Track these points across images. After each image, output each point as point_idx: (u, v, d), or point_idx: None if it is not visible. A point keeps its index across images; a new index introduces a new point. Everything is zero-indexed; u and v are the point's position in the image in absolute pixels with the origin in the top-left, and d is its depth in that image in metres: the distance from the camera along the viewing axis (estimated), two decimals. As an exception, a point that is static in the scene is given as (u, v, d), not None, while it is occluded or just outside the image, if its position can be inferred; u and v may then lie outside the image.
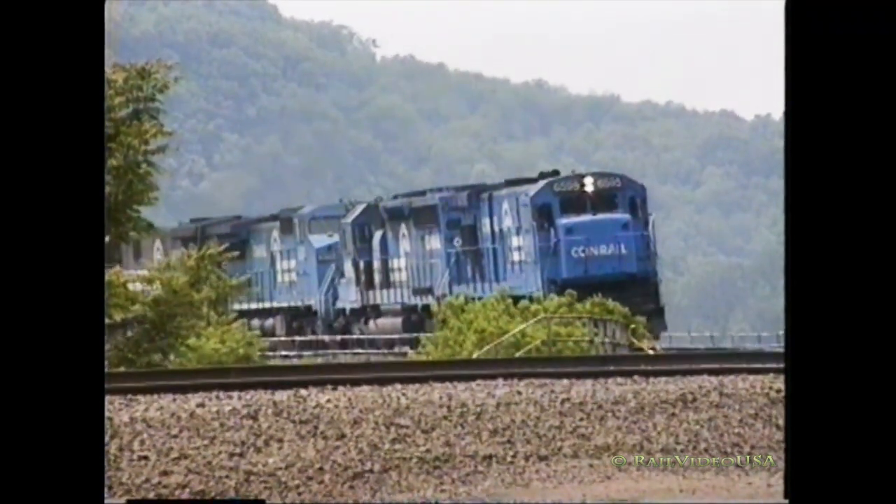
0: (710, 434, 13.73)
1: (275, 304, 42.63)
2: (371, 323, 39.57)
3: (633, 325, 29.10)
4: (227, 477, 12.46)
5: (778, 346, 33.55)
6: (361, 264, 39.48)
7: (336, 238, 40.82)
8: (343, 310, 40.60)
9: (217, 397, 14.47)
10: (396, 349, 35.62)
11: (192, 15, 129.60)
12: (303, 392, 14.75)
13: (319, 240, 41.43)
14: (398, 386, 15.11)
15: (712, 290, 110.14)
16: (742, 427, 13.96)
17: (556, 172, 35.94)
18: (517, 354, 26.06)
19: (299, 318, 42.06)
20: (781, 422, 14.12)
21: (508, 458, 12.99)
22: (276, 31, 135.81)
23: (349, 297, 40.15)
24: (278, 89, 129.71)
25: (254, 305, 42.62)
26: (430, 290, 36.69)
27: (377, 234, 39.24)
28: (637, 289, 33.47)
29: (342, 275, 40.32)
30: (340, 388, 15.05)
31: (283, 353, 39.27)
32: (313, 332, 41.13)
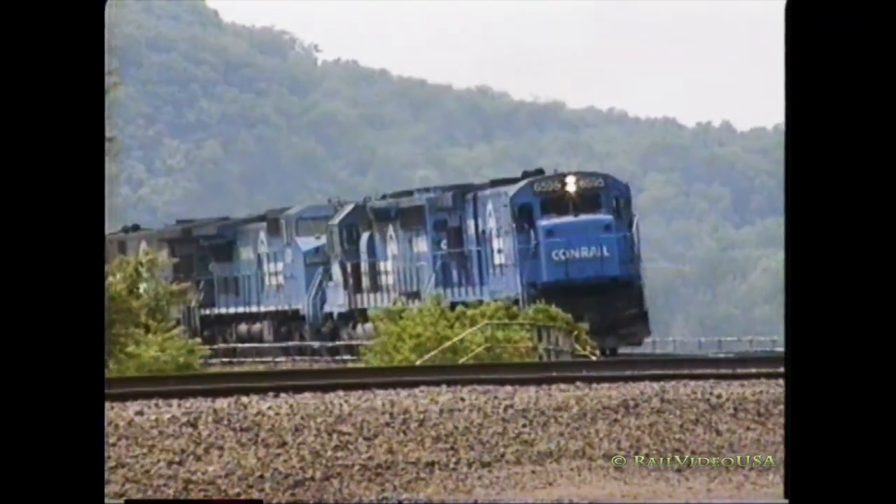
0: (652, 439, 13.75)
1: (262, 309, 41.29)
2: (359, 327, 38.08)
3: (575, 332, 29.00)
4: (165, 485, 12.34)
5: (719, 352, 33.67)
6: (349, 267, 37.56)
7: (324, 240, 39.41)
8: (331, 314, 39.18)
9: (156, 405, 14.35)
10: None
11: (130, 19, 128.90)
12: (244, 399, 14.64)
13: (307, 242, 39.98)
14: (340, 393, 15.05)
15: (654, 297, 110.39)
16: (683, 432, 13.99)
17: (540, 171, 34.10)
18: (461, 361, 26.00)
19: (287, 322, 40.68)
20: (722, 427, 14.17)
21: (451, 465, 12.94)
22: (217, 36, 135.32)
23: (337, 301, 38.69)
24: (219, 94, 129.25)
25: (241, 309, 41.43)
26: (417, 295, 35.24)
27: (364, 236, 37.30)
28: (620, 292, 32.19)
29: (330, 278, 38.93)
30: (282, 395, 14.97)
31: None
32: (301, 338, 39.73)
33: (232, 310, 41.83)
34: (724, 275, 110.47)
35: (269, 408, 14.26)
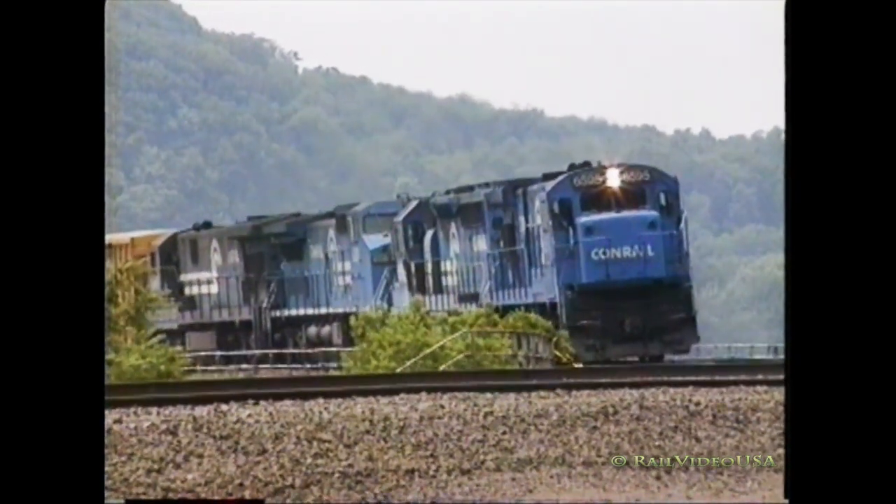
0: (631, 446, 13.78)
1: (331, 311, 38.84)
2: None
3: (555, 338, 28.89)
4: (144, 493, 12.33)
5: (695, 360, 33.65)
6: (412, 266, 35.05)
7: (391, 238, 37.10)
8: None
9: (135, 413, 14.33)
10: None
11: (109, 26, 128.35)
12: (223, 407, 14.64)
13: (374, 240, 37.54)
14: (321, 400, 15.05)
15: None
16: (662, 439, 14.03)
17: (586, 164, 31.19)
18: (441, 368, 26.01)
19: None
20: (700, 434, 14.21)
21: (431, 472, 12.97)
22: (197, 43, 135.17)
23: (403, 303, 34.97)
24: (199, 102, 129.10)
25: (310, 311, 39.27)
26: (476, 297, 32.44)
27: (428, 234, 34.79)
28: (665, 295, 29.41)
29: (396, 278, 36.44)
30: (262, 402, 14.97)
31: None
32: None
33: (302, 311, 39.67)
34: (703, 282, 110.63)
35: (249, 415, 14.25)
